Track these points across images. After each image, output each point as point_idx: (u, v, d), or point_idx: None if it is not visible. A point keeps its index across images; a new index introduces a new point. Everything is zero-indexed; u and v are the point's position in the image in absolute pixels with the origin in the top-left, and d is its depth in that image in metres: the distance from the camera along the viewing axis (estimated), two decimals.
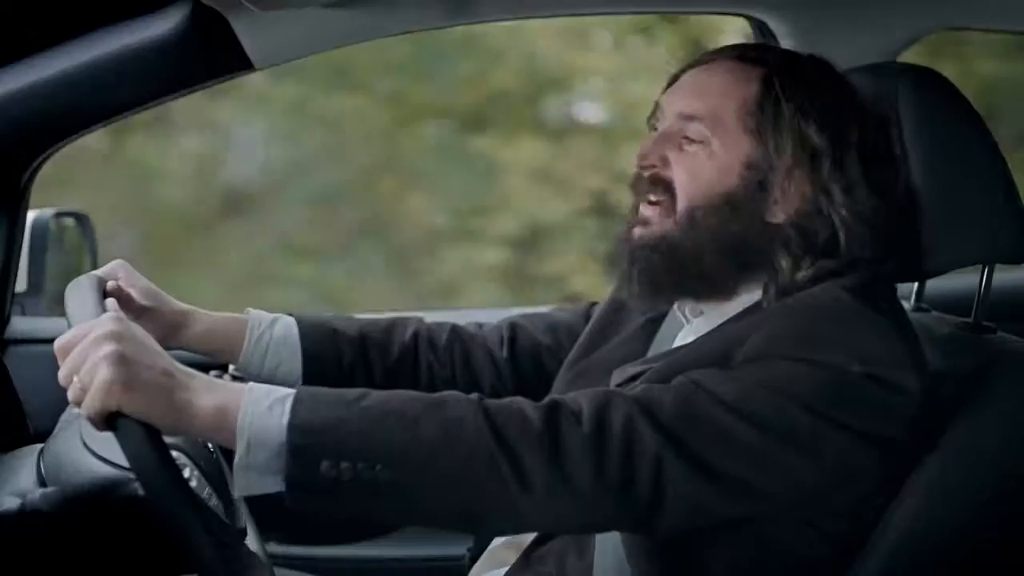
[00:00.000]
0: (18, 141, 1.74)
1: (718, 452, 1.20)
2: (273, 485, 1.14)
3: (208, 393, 1.14)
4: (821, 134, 1.35)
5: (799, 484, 1.23)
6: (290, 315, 1.58)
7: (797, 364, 1.24)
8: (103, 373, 1.10)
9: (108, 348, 1.12)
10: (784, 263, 1.35)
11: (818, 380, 1.23)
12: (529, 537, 1.47)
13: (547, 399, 1.22)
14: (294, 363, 1.54)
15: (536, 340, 1.65)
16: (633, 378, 1.37)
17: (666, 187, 1.38)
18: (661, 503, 1.20)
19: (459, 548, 1.67)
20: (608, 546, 1.35)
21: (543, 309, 1.72)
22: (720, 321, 1.39)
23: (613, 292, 1.62)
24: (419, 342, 1.61)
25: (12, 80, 1.66)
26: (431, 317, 1.66)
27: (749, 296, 1.38)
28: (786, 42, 1.94)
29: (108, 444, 1.16)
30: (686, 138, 1.38)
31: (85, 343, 1.13)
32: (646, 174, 1.40)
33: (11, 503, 1.17)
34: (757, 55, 1.42)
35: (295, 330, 1.56)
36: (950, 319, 1.49)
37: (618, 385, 1.40)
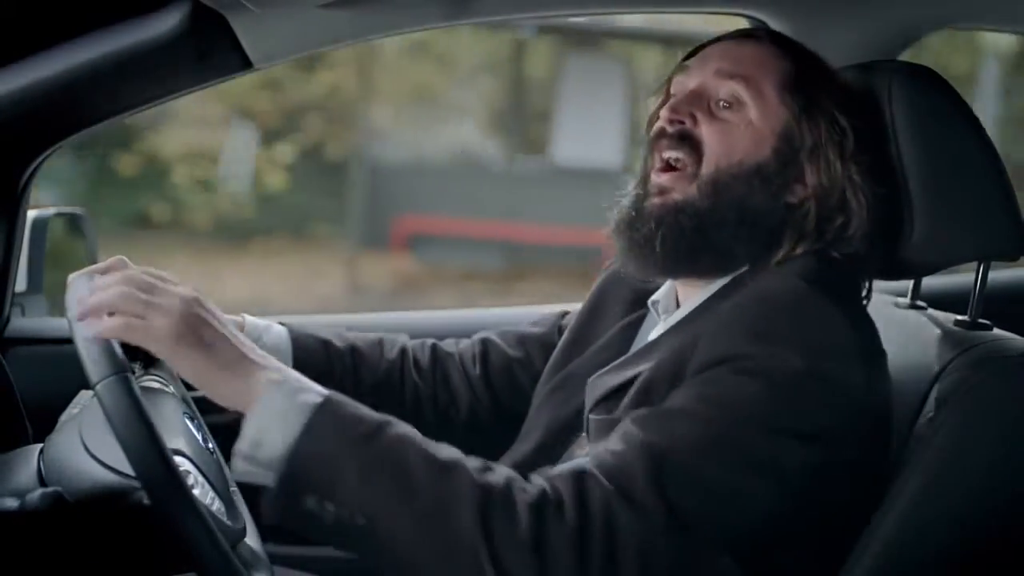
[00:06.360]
0: (18, 141, 1.74)
1: (698, 511, 1.17)
2: (267, 480, 1.14)
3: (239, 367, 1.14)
4: (848, 118, 1.36)
5: (775, 508, 1.21)
6: (280, 324, 1.59)
7: (745, 377, 1.20)
8: (177, 305, 1.12)
9: (187, 289, 1.14)
10: (788, 242, 1.34)
11: (767, 392, 1.20)
12: None
13: (535, 492, 1.16)
14: None
15: (507, 355, 1.64)
16: (613, 392, 1.35)
17: (693, 147, 1.36)
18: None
19: None
20: None
21: (528, 309, 1.72)
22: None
23: (589, 298, 1.61)
24: (405, 361, 1.62)
25: (12, 80, 1.66)
26: (421, 317, 1.66)
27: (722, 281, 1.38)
28: None
29: (108, 447, 1.16)
30: (720, 101, 1.36)
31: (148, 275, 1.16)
32: (672, 129, 1.37)
33: (11, 503, 1.17)
34: (782, 40, 1.43)
35: (287, 339, 1.57)
36: (946, 316, 1.49)
37: (598, 401, 1.37)
